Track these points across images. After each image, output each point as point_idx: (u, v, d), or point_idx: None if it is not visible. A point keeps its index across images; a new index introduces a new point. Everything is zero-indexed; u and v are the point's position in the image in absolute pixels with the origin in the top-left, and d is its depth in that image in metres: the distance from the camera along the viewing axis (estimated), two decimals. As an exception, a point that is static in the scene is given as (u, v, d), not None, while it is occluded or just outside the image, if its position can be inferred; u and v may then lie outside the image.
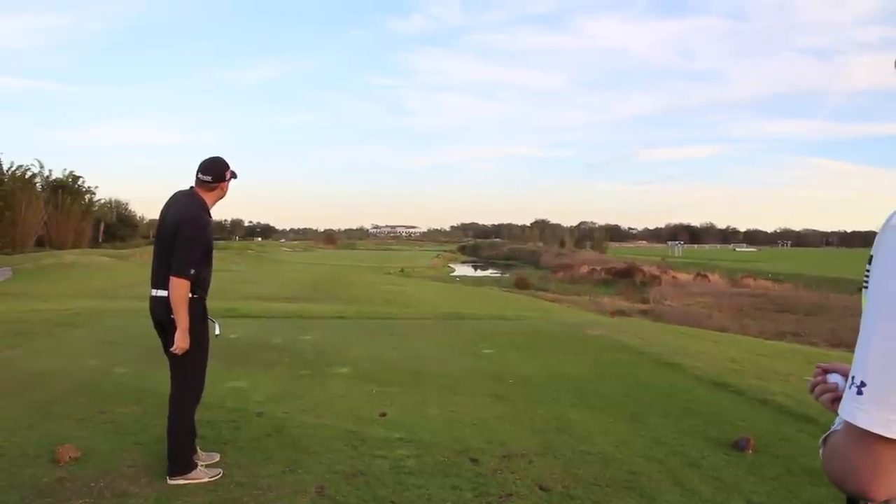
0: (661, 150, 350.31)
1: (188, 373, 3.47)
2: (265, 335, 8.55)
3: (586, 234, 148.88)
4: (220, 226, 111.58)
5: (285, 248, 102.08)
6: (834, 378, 1.05)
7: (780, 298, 34.10)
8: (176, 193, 3.60)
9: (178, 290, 3.31)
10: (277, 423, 4.48)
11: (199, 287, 3.45)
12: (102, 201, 60.14)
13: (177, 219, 3.41)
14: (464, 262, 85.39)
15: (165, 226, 3.45)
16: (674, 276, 45.11)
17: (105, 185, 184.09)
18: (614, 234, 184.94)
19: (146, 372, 5.73)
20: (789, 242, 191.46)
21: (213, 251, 3.63)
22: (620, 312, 25.43)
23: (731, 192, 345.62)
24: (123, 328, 8.81)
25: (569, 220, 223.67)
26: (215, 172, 3.53)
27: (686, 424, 4.84)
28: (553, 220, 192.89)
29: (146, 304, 3.59)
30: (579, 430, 4.61)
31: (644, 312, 27.34)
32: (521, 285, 40.23)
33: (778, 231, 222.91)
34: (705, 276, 44.90)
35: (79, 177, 51.31)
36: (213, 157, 3.59)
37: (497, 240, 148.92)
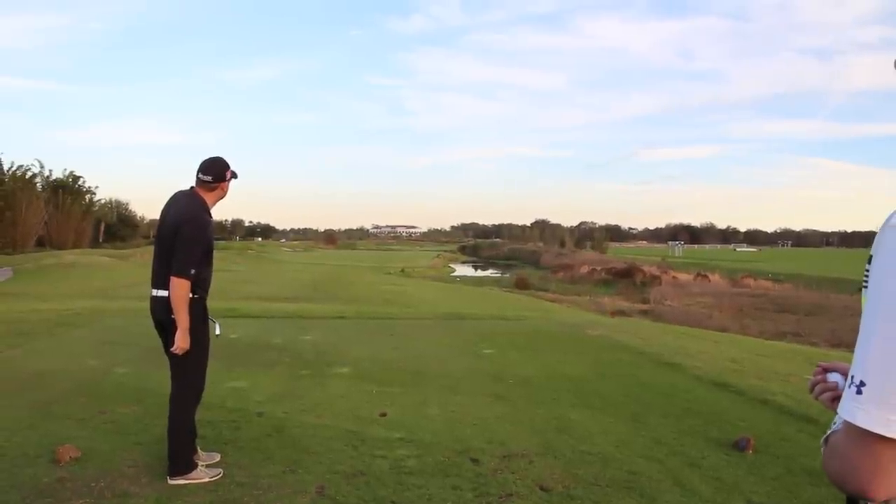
0: (661, 150, 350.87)
1: (189, 373, 3.47)
2: (265, 335, 8.55)
3: (586, 234, 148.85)
4: (221, 226, 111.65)
5: (285, 248, 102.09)
6: (834, 377, 1.05)
7: (781, 298, 34.08)
8: (176, 193, 3.60)
9: (179, 290, 3.31)
10: (278, 423, 4.48)
11: (200, 287, 3.45)
12: (103, 201, 60.25)
13: (177, 219, 3.41)
14: (464, 263, 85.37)
15: (166, 226, 3.45)
16: (674, 277, 45.09)
17: (105, 185, 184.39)
18: (614, 234, 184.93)
19: (146, 372, 5.74)
20: (789, 242, 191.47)
21: (214, 251, 3.63)
22: (621, 312, 25.42)
23: (732, 192, 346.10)
24: (124, 328, 8.81)
25: (569, 220, 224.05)
26: (216, 172, 3.53)
27: (686, 424, 4.84)
28: (553, 220, 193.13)
29: (146, 304, 3.59)
30: (579, 431, 4.61)
31: (644, 312, 27.33)
32: (522, 285, 40.22)
33: (778, 231, 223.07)
34: (705, 277, 44.89)
35: (79, 177, 51.38)
36: (214, 157, 3.59)
37: (497, 240, 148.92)
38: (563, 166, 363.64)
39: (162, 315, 3.42)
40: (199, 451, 3.62)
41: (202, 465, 3.50)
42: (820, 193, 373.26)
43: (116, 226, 61.23)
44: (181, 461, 3.39)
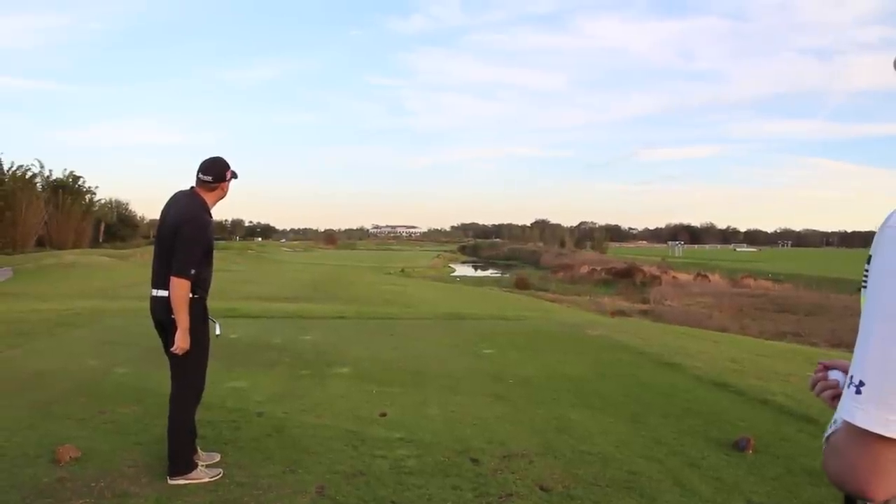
0: (661, 150, 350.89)
1: (188, 373, 3.47)
2: (265, 335, 8.55)
3: (586, 235, 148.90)
4: (221, 226, 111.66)
5: (285, 248, 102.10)
6: (835, 375, 1.05)
7: (781, 298, 34.09)
8: (176, 193, 3.60)
9: (179, 291, 3.31)
10: (278, 423, 4.48)
11: (200, 287, 3.45)
12: (103, 201, 60.26)
13: (177, 219, 3.41)
14: (464, 263, 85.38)
15: (166, 226, 3.45)
16: (674, 277, 45.10)
17: (105, 185, 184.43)
18: (614, 234, 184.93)
19: (146, 372, 5.74)
20: (789, 242, 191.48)
21: (214, 251, 3.63)
22: (621, 312, 25.42)
23: (732, 192, 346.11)
24: (124, 328, 8.81)
25: (569, 220, 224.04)
26: (216, 172, 3.53)
27: (686, 424, 4.84)
28: (553, 220, 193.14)
29: (146, 304, 3.59)
30: (579, 431, 4.61)
31: (644, 312, 27.33)
32: (522, 285, 40.23)
33: (778, 231, 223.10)
34: (705, 277, 44.90)
35: (79, 177, 51.39)
36: (214, 157, 3.59)
37: (497, 240, 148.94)
38: (563, 166, 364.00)
39: (162, 315, 3.42)
40: (199, 451, 3.62)
41: (202, 465, 3.50)
42: (820, 193, 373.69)
43: (116, 226, 61.24)
44: (181, 461, 3.39)
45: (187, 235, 3.36)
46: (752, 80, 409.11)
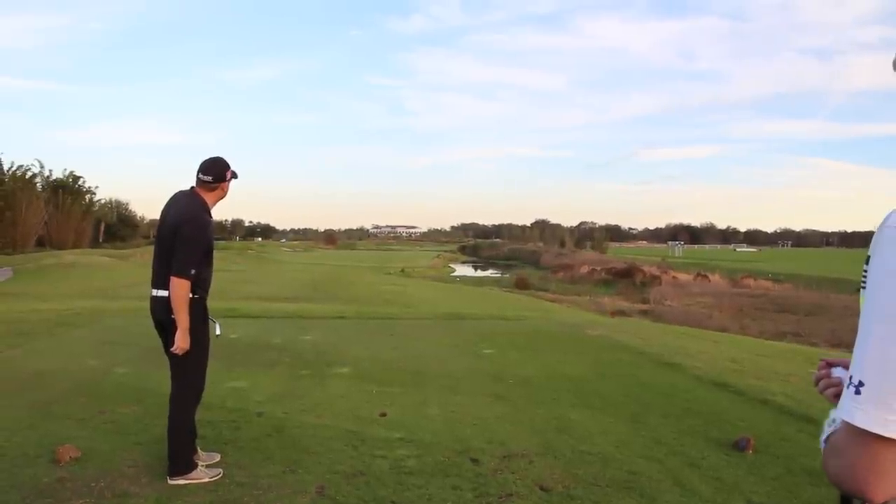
0: (661, 150, 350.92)
1: (188, 373, 3.47)
2: (265, 335, 8.55)
3: (586, 235, 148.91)
4: (221, 226, 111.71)
5: (285, 249, 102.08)
6: (838, 372, 1.05)
7: (781, 299, 34.09)
8: (176, 193, 3.60)
9: (179, 291, 3.31)
10: (278, 423, 4.48)
11: (200, 287, 3.45)
12: (103, 201, 60.26)
13: (177, 219, 3.41)
14: (464, 263, 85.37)
15: (166, 226, 3.45)
16: (674, 277, 45.11)
17: (105, 185, 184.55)
18: (614, 234, 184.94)
19: (146, 372, 5.74)
20: (789, 243, 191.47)
21: (214, 251, 3.63)
22: (621, 312, 25.43)
23: (732, 192, 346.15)
24: (124, 328, 8.81)
25: (569, 220, 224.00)
26: (216, 172, 3.53)
27: (686, 424, 4.84)
28: (553, 220, 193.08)
29: (146, 304, 3.59)
30: (579, 431, 4.61)
31: (644, 312, 27.34)
32: (522, 285, 40.24)
33: (778, 231, 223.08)
34: (705, 277, 44.90)
35: (79, 177, 51.39)
36: (214, 158, 3.59)
37: (497, 240, 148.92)
38: (563, 166, 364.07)
39: (162, 315, 3.42)
40: (199, 451, 3.62)
41: (202, 465, 3.50)
42: (820, 193, 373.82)
43: (116, 226, 61.24)
44: (181, 461, 3.39)
45: (187, 235, 3.36)
46: (752, 80, 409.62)
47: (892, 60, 0.95)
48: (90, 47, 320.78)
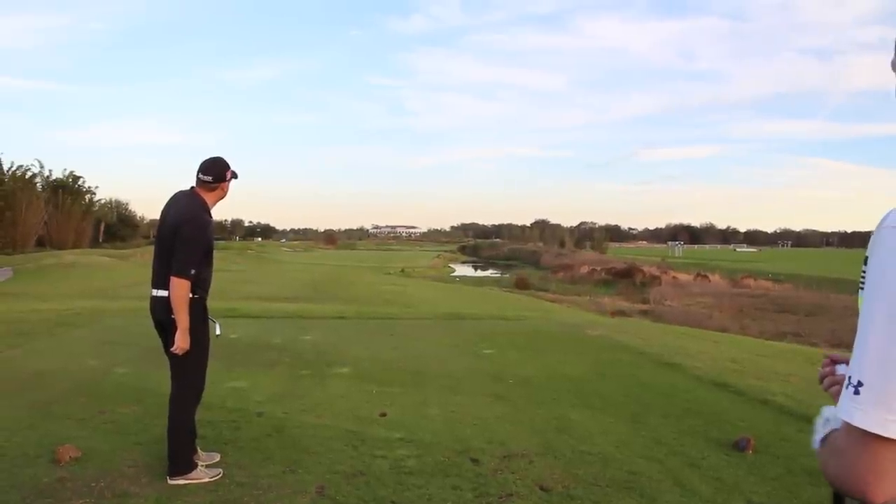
0: (661, 151, 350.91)
1: (188, 373, 3.47)
2: (265, 335, 8.55)
3: (586, 235, 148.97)
4: (221, 226, 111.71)
5: (285, 249, 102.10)
6: (842, 370, 1.05)
7: (781, 299, 34.11)
8: (177, 193, 3.60)
9: (179, 291, 3.31)
10: (278, 423, 4.48)
11: (200, 287, 3.45)
12: (103, 201, 60.29)
13: (177, 219, 3.41)
14: (464, 263, 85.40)
15: (166, 226, 3.45)
16: (674, 277, 45.12)
17: (105, 185, 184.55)
18: (614, 234, 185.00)
19: (146, 372, 5.74)
20: (789, 243, 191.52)
21: (214, 251, 3.63)
22: (621, 313, 25.43)
23: (731, 192, 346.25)
24: (124, 328, 8.81)
25: (569, 220, 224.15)
26: (216, 173, 3.53)
27: (686, 425, 4.84)
28: (553, 220, 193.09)
29: (146, 304, 3.59)
30: (579, 431, 4.61)
31: (644, 313, 27.34)
32: (522, 285, 40.25)
33: (778, 231, 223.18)
34: (705, 277, 44.92)
35: (79, 177, 51.42)
36: (214, 158, 3.59)
37: (497, 240, 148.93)
38: (563, 166, 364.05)
39: (162, 315, 3.42)
40: (199, 451, 3.62)
41: (202, 465, 3.50)
42: (820, 193, 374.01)
43: (116, 226, 61.25)
44: (181, 461, 3.39)
45: (187, 235, 3.36)
46: (752, 80, 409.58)
47: (890, 61, 0.95)
48: (90, 47, 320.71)
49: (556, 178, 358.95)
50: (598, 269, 50.67)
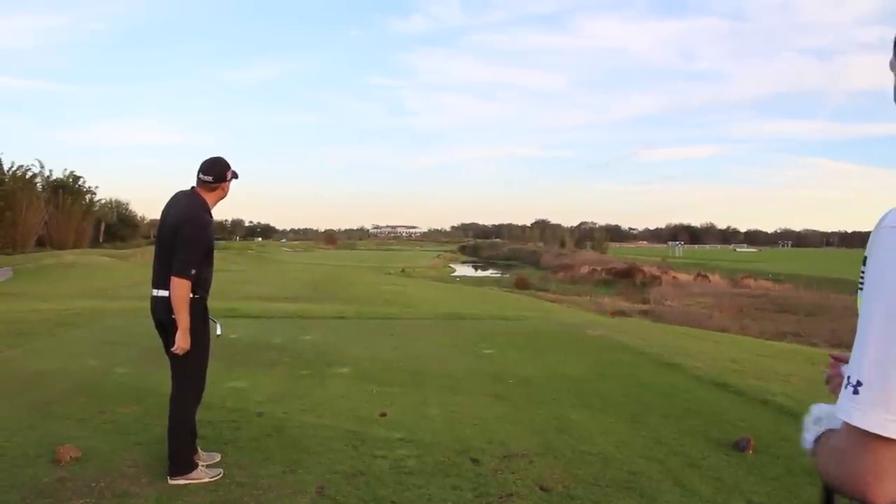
0: (662, 151, 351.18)
1: (189, 373, 3.47)
2: (265, 335, 8.55)
3: (587, 235, 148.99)
4: (221, 226, 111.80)
5: (286, 249, 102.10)
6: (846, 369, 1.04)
7: (781, 299, 34.12)
8: (177, 193, 3.60)
9: (179, 291, 3.31)
10: (278, 423, 4.48)
11: (200, 287, 3.44)
12: (103, 201, 60.30)
13: (178, 219, 3.41)
14: (464, 263, 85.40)
15: (166, 226, 3.45)
16: (674, 277, 45.12)
17: (105, 186, 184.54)
18: (615, 234, 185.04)
19: (147, 372, 5.74)
20: (790, 243, 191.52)
21: (214, 251, 3.63)
22: (621, 313, 25.43)
23: (732, 192, 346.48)
24: (124, 328, 8.81)
25: (569, 220, 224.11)
26: (216, 172, 3.53)
27: (686, 425, 4.84)
28: (553, 220, 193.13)
29: (146, 304, 3.59)
30: (580, 431, 4.61)
31: (644, 313, 27.34)
32: (522, 285, 40.24)
33: (778, 231, 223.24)
34: (706, 277, 44.92)
35: (79, 177, 51.42)
36: (214, 158, 3.59)
37: (497, 240, 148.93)
38: (563, 166, 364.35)
39: (162, 315, 3.42)
40: (200, 451, 3.62)
41: (202, 465, 3.50)
42: (820, 193, 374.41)
43: (116, 226, 61.25)
44: (181, 461, 3.39)
45: (188, 235, 3.36)
46: (752, 80, 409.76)
47: (889, 61, 0.95)
48: (90, 47, 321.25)
49: (557, 178, 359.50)
50: (599, 269, 50.66)
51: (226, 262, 38.81)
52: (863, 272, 0.88)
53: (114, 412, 4.63)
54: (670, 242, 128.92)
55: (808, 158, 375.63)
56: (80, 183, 51.36)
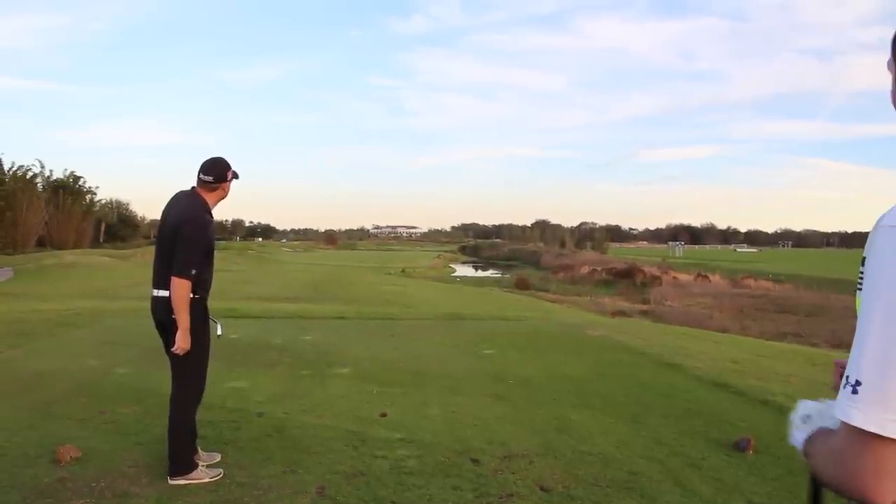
0: (662, 151, 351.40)
1: (189, 373, 3.47)
2: (266, 335, 8.55)
3: (587, 235, 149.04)
4: (221, 226, 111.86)
5: (286, 249, 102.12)
6: None
7: (781, 299, 34.12)
8: (177, 193, 3.60)
9: (180, 291, 3.31)
10: (278, 424, 4.48)
11: (201, 287, 3.44)
12: (103, 201, 60.44)
13: (178, 219, 3.41)
14: (464, 263, 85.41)
15: (167, 226, 3.45)
16: (674, 277, 45.13)
17: (106, 186, 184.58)
18: (615, 234, 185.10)
19: (147, 372, 5.74)
20: (790, 243, 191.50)
21: (215, 251, 3.63)
22: (621, 313, 25.43)
23: (732, 192, 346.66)
24: (124, 328, 8.81)
25: (569, 220, 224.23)
26: (217, 173, 3.53)
27: (687, 425, 4.84)
28: (553, 220, 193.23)
29: (147, 305, 3.59)
30: (580, 431, 4.60)
31: (645, 313, 27.35)
32: (522, 286, 40.25)
33: (778, 232, 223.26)
34: (706, 277, 44.92)
35: (80, 177, 51.50)
36: (215, 158, 3.59)
37: (498, 240, 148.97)
38: (563, 167, 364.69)
39: (163, 315, 3.42)
40: (200, 451, 3.62)
41: (202, 466, 3.50)
42: (820, 194, 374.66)
43: (117, 226, 61.29)
44: (182, 461, 3.39)
45: (188, 236, 3.36)
46: (752, 80, 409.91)
47: (886, 61, 0.95)
48: (90, 47, 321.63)
49: (557, 178, 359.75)
50: (599, 269, 50.66)
51: (226, 263, 38.80)
52: (861, 272, 0.88)
53: (114, 412, 4.63)
54: (670, 243, 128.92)
55: (809, 159, 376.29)
56: (80, 183, 51.46)
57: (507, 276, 52.66)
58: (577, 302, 30.56)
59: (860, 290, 0.87)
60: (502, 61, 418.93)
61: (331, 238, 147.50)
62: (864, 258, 0.88)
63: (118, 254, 41.24)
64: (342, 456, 3.88)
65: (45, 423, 4.34)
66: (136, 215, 69.45)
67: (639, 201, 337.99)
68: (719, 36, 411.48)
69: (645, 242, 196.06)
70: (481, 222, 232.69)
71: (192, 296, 3.36)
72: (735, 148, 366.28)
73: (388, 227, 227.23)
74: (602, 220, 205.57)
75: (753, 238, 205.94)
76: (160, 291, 3.40)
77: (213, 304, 3.64)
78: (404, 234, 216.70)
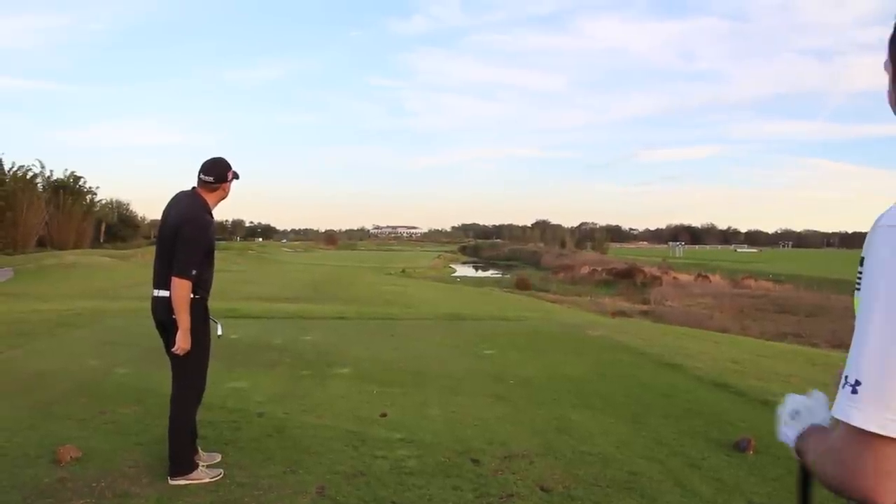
0: (662, 151, 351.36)
1: (189, 373, 3.47)
2: (266, 335, 8.55)
3: (587, 235, 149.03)
4: (222, 226, 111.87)
5: (286, 249, 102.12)
6: None
7: (781, 299, 34.12)
8: (178, 194, 3.60)
9: (180, 291, 3.31)
10: (278, 424, 4.48)
11: (201, 287, 3.45)
12: (104, 202, 60.42)
13: (178, 219, 3.41)
14: (465, 263, 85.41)
15: (167, 226, 3.45)
16: (675, 277, 45.13)
17: (106, 186, 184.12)
18: (615, 234, 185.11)
19: (147, 372, 5.74)
20: (790, 243, 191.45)
21: (215, 252, 3.63)
22: (621, 313, 25.43)
23: (732, 192, 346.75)
24: (124, 328, 8.82)
25: (569, 220, 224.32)
26: (217, 173, 3.53)
27: (687, 425, 4.84)
28: (554, 220, 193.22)
29: (147, 305, 3.60)
30: (580, 431, 4.60)
31: (645, 313, 27.34)
32: (522, 286, 40.23)
33: (779, 232, 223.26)
34: (706, 277, 44.91)
35: (80, 177, 51.46)
36: (215, 158, 3.59)
37: (498, 240, 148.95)
38: (563, 167, 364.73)
39: (163, 315, 3.42)
40: (200, 451, 3.62)
41: (203, 466, 3.50)
42: (820, 194, 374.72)
43: (117, 226, 61.29)
44: (182, 461, 3.39)
45: (188, 236, 3.36)
46: (752, 80, 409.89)
47: (883, 62, 0.95)
48: (90, 47, 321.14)
49: (557, 178, 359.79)
50: (599, 269, 50.65)
51: (226, 263, 38.79)
52: (860, 272, 0.87)
53: (114, 412, 4.63)
54: (671, 243, 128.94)
55: (809, 159, 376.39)
56: (80, 183, 51.44)
57: (508, 276, 52.66)
58: (578, 302, 30.56)
59: (859, 290, 0.87)
60: (502, 61, 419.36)
61: (331, 238, 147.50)
62: (862, 258, 0.87)
63: (118, 254, 41.24)
64: (342, 456, 3.88)
65: (46, 423, 4.34)
66: (136, 215, 69.50)
67: (639, 201, 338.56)
68: (719, 36, 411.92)
69: (645, 243, 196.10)
70: (481, 222, 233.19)
71: (192, 296, 3.36)
72: (735, 148, 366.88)
73: (388, 227, 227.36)
74: (602, 221, 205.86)
75: (754, 238, 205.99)
76: (160, 291, 3.41)
77: (213, 304, 3.64)
78: (404, 235, 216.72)
